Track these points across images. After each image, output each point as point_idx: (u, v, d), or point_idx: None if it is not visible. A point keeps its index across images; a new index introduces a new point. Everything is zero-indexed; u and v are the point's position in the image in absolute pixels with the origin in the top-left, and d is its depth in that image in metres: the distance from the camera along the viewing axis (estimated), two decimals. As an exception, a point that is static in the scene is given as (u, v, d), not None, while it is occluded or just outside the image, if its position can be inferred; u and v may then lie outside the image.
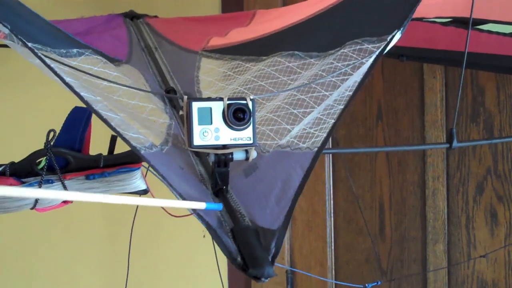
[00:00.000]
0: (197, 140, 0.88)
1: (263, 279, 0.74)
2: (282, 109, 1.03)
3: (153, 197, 1.27)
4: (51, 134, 1.26)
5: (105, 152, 1.31)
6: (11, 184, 1.24)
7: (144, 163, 1.16)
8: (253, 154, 0.92)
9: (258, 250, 0.78)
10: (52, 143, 1.26)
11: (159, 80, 1.31)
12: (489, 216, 2.06)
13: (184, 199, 0.84)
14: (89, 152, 1.30)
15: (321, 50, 1.13)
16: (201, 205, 0.82)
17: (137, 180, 1.29)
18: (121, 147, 1.13)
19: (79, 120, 1.30)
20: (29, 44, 0.93)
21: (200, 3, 2.30)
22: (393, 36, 0.99)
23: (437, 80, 2.08)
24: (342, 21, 1.24)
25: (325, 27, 1.26)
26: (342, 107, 0.98)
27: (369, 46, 1.02)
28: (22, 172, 1.25)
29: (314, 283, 2.24)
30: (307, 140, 0.97)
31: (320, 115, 0.99)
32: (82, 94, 0.91)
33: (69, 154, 1.26)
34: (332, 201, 2.22)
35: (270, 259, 0.78)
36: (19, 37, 0.91)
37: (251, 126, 0.89)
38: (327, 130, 0.96)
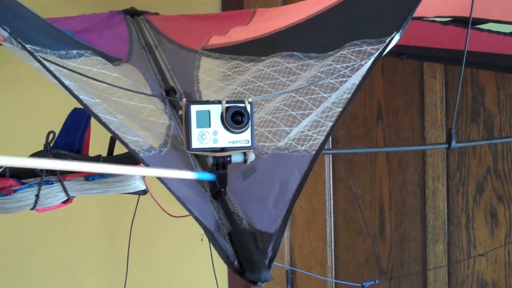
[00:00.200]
0: (196, 143, 0.88)
1: (259, 283, 0.74)
2: (281, 110, 1.03)
3: (153, 197, 1.28)
4: (51, 135, 1.26)
5: (104, 153, 1.31)
6: (11, 186, 1.25)
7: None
8: (251, 156, 0.92)
9: (255, 254, 0.78)
10: (51, 144, 1.26)
11: (159, 79, 1.30)
12: (489, 216, 2.06)
13: (182, 202, 0.85)
14: (88, 153, 1.31)
15: (320, 51, 1.13)
16: (192, 175, 0.82)
17: (137, 181, 1.30)
18: (120, 148, 1.13)
19: (79, 121, 1.31)
20: (28, 47, 0.93)
21: (200, 1, 2.30)
22: (392, 38, 0.99)
23: (437, 80, 2.07)
24: (341, 22, 1.24)
25: (324, 28, 1.26)
26: (340, 109, 0.98)
27: (368, 48, 1.02)
28: (22, 173, 1.26)
29: (314, 283, 2.24)
30: (305, 142, 0.97)
31: (318, 117, 0.99)
32: (81, 97, 0.91)
33: (68, 155, 1.27)
34: (332, 201, 2.22)
35: (267, 263, 0.79)
36: (18, 40, 0.91)
37: (249, 129, 0.89)
38: (325, 133, 0.96)
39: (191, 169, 1.01)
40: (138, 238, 1.66)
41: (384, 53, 1.01)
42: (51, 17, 1.38)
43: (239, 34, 1.50)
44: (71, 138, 1.29)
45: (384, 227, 2.17)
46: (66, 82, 0.91)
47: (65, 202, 1.29)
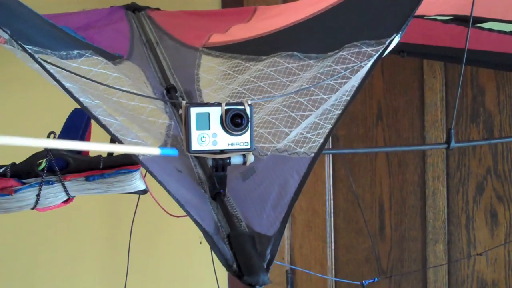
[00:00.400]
0: (195, 145, 0.89)
1: (257, 286, 0.75)
2: (280, 111, 1.03)
3: (153, 197, 1.28)
4: (51, 136, 1.27)
5: (104, 153, 1.31)
6: (12, 186, 1.25)
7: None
8: (251, 158, 0.92)
9: (253, 257, 0.78)
10: (52, 145, 1.26)
11: (159, 76, 1.30)
12: (489, 216, 2.06)
13: (181, 204, 0.85)
14: (89, 154, 1.31)
15: (320, 51, 1.13)
16: (155, 151, 0.83)
17: (137, 181, 1.30)
18: (120, 149, 1.13)
19: (79, 122, 1.31)
20: (29, 49, 0.93)
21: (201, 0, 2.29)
22: (392, 40, 0.99)
23: (437, 80, 2.07)
24: (342, 22, 1.24)
25: (325, 28, 1.26)
26: (339, 112, 0.98)
27: (368, 49, 1.02)
28: (23, 173, 1.26)
29: (314, 283, 2.25)
30: (304, 145, 0.97)
31: (318, 119, 0.99)
32: (81, 99, 0.91)
33: (69, 156, 1.27)
34: (332, 201, 2.22)
35: (265, 266, 0.79)
36: (19, 42, 0.91)
37: (248, 131, 0.89)
38: (324, 136, 0.96)
39: (190, 171, 1.01)
40: (138, 239, 1.66)
41: (384, 55, 1.01)
42: (52, 13, 1.38)
43: (240, 32, 1.50)
44: (71, 138, 1.29)
45: (384, 227, 2.17)
46: (67, 84, 0.92)
47: (65, 201, 1.29)
